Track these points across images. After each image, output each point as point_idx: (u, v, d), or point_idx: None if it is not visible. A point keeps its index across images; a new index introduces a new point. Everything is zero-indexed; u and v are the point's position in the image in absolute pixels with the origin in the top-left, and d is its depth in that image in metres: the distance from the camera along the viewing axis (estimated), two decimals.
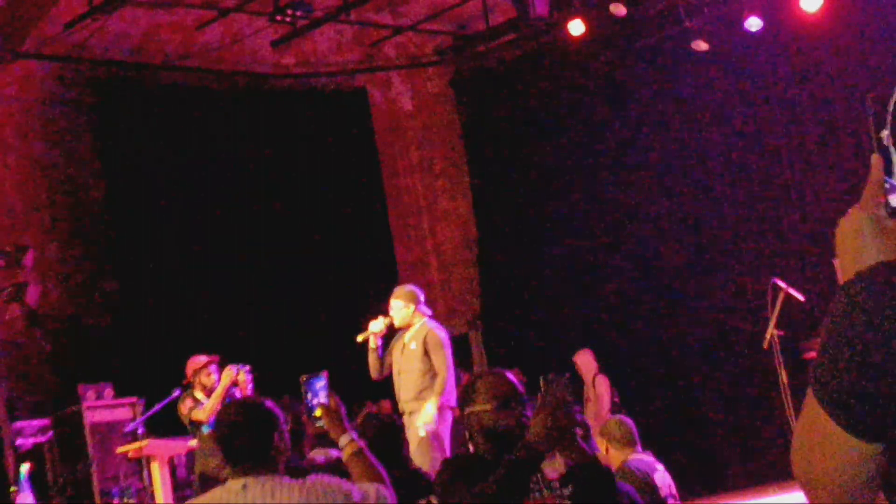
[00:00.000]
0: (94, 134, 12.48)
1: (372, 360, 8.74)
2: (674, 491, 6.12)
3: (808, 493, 1.52)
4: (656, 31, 12.18)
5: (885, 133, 1.51)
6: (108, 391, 10.57)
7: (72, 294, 12.09)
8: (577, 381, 11.74)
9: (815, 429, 1.46)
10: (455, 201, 14.93)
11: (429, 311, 8.92)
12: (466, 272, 14.76)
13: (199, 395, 8.96)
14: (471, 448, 4.02)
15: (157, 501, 9.02)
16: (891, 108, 1.52)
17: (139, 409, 10.34)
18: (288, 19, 11.97)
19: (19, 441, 9.91)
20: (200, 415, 8.95)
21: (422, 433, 8.42)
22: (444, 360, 8.63)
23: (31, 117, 12.20)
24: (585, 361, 11.66)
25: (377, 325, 8.73)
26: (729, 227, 11.86)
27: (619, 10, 11.35)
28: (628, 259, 12.80)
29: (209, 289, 12.23)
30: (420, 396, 8.61)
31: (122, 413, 10.47)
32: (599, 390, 11.46)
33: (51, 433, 10.39)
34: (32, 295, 9.95)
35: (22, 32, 11.55)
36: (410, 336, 8.74)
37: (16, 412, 10.47)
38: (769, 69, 11.79)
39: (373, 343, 8.72)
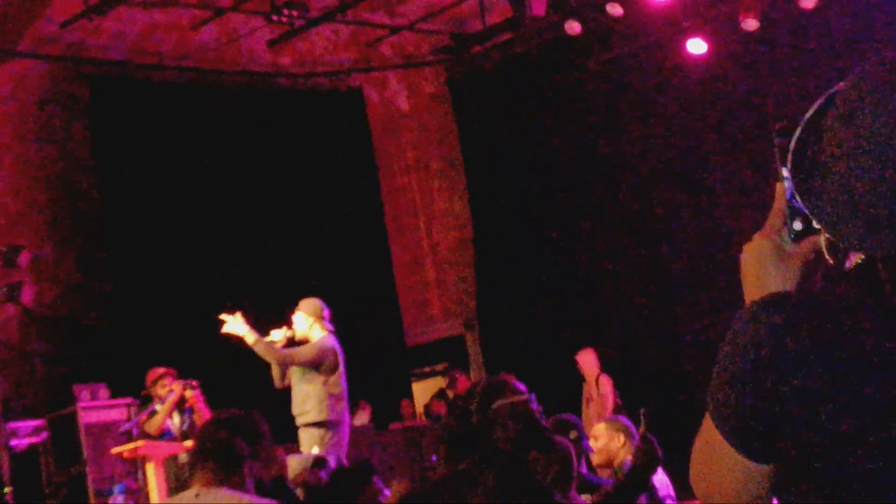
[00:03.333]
0: (90, 134, 12.45)
1: (274, 370, 8.61)
2: (671, 491, 6.10)
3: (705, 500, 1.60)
4: (653, 32, 12.16)
5: (784, 170, 1.59)
6: (103, 392, 10.54)
7: (67, 294, 12.06)
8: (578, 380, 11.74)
9: (710, 446, 1.55)
10: (451, 202, 14.92)
11: (331, 327, 8.74)
12: (463, 273, 14.74)
13: (158, 407, 9.05)
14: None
15: (152, 502, 9.00)
16: (792, 146, 1.57)
17: (134, 409, 10.32)
18: (284, 19, 11.95)
19: (14, 442, 9.88)
20: (150, 428, 9.03)
21: (314, 450, 8.25)
22: (304, 350, 8.44)
23: (26, 117, 12.17)
24: (588, 361, 11.63)
25: (277, 335, 8.60)
26: (729, 227, 11.85)
27: (616, 10, 11.34)
28: (626, 259, 12.79)
29: (205, 289, 12.20)
30: (302, 407, 8.45)
31: (117, 414, 10.45)
32: (603, 390, 11.44)
33: (46, 434, 10.36)
34: (27, 295, 9.93)
35: (17, 31, 11.53)
36: None
37: (10, 413, 10.44)
38: (768, 70, 11.78)
39: None
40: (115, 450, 9.54)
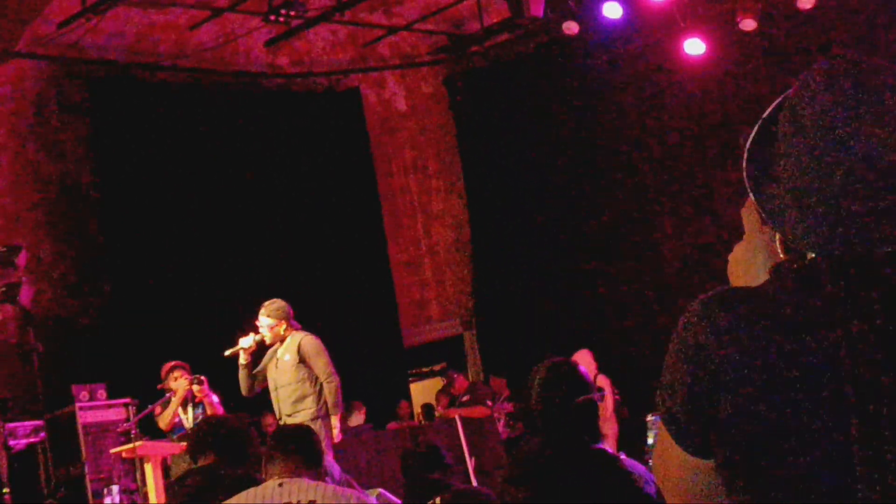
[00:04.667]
0: (88, 134, 12.45)
1: (242, 376, 8.53)
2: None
3: (666, 496, 1.63)
4: (652, 32, 12.17)
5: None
6: (102, 392, 10.53)
7: (65, 294, 12.06)
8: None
9: (662, 442, 1.57)
10: (449, 202, 14.92)
11: (298, 326, 8.66)
12: (461, 272, 14.75)
13: (172, 399, 9.12)
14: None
15: (151, 502, 9.00)
16: (747, 147, 1.65)
17: (132, 409, 10.32)
18: (282, 19, 11.95)
19: (12, 442, 9.87)
20: (160, 423, 9.07)
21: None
22: (325, 366, 8.41)
23: (24, 117, 12.17)
24: (585, 361, 11.62)
25: (247, 342, 8.50)
26: (728, 227, 11.86)
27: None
28: (624, 259, 12.80)
29: (203, 289, 12.21)
30: (298, 407, 8.45)
31: (116, 414, 10.44)
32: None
33: (44, 434, 10.36)
34: (25, 295, 9.92)
35: (15, 32, 11.52)
36: (283, 349, 8.52)
37: (9, 413, 10.44)
38: (766, 71, 11.79)
39: (243, 359, 8.50)
40: (114, 450, 9.56)
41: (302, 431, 4.30)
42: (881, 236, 1.46)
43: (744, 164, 1.63)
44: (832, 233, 1.48)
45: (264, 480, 4.00)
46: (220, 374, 9.48)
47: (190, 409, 9.18)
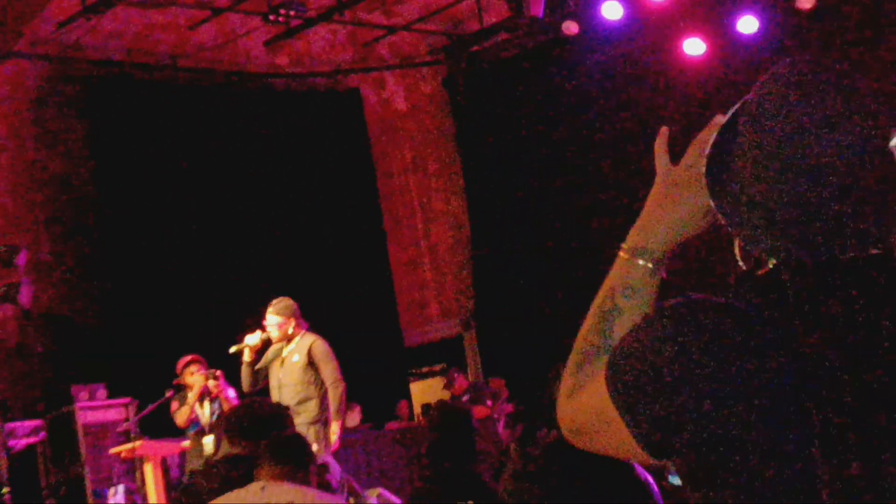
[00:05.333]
0: (87, 133, 12.45)
1: (245, 373, 8.56)
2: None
3: (573, 441, 1.63)
4: (651, 32, 12.17)
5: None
6: (101, 392, 10.54)
7: (64, 294, 12.06)
8: None
9: (601, 413, 1.52)
10: (449, 202, 14.92)
11: (306, 325, 8.74)
12: (460, 273, 14.75)
13: (189, 395, 9.08)
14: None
15: (150, 502, 9.00)
16: (707, 151, 1.60)
17: (132, 409, 10.32)
18: (281, 19, 11.94)
19: (12, 442, 9.87)
20: (178, 419, 9.05)
21: (314, 448, 8.29)
22: (334, 371, 8.44)
23: (23, 117, 12.17)
24: None
25: (253, 339, 8.55)
26: (727, 227, 11.84)
27: (614, 11, 11.35)
28: None
29: (202, 289, 12.20)
30: (299, 409, 8.46)
31: (115, 413, 10.45)
32: None
33: (43, 434, 10.37)
34: (25, 295, 9.91)
35: (14, 31, 11.52)
36: (292, 349, 8.54)
37: (8, 413, 10.44)
38: (766, 71, 11.77)
39: (247, 357, 8.55)
40: (114, 450, 9.56)
41: (296, 441, 4.32)
42: (844, 241, 1.45)
43: (703, 171, 1.60)
44: (794, 239, 1.46)
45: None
46: (221, 373, 9.50)
47: (206, 404, 9.16)
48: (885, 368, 1.39)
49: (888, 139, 1.46)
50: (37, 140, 12.21)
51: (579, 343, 1.71)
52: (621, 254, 1.75)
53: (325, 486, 6.69)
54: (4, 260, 9.98)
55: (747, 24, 10.99)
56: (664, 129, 1.83)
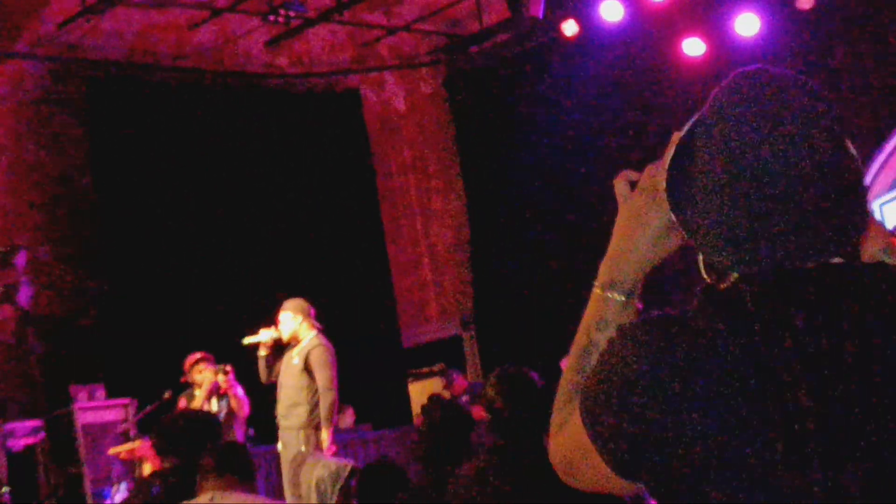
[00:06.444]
0: (87, 134, 12.44)
1: (261, 365, 8.74)
2: None
3: (566, 479, 1.62)
4: (651, 32, 12.17)
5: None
6: (100, 392, 10.54)
7: (64, 295, 12.05)
8: None
9: (577, 442, 1.52)
10: (448, 202, 14.92)
11: (319, 326, 8.78)
12: (460, 273, 14.74)
13: (197, 392, 9.10)
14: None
15: None
16: (667, 164, 1.62)
17: (131, 409, 10.32)
18: (281, 19, 11.94)
19: (11, 442, 9.88)
20: None
21: (303, 448, 8.31)
22: (327, 379, 8.47)
23: (23, 117, 12.16)
24: None
25: (266, 336, 8.67)
26: None
27: (614, 11, 11.34)
28: None
29: (201, 289, 12.20)
30: (291, 412, 8.49)
31: (114, 414, 10.45)
32: None
33: (42, 434, 10.36)
34: (24, 296, 9.93)
35: (14, 31, 11.52)
36: (296, 351, 8.63)
37: (7, 413, 10.44)
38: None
39: (262, 351, 8.69)
40: (113, 450, 9.56)
41: (236, 449, 4.27)
42: (803, 251, 1.44)
43: (664, 186, 1.60)
44: (755, 251, 1.46)
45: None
46: (231, 367, 9.50)
47: (214, 401, 9.16)
48: (848, 379, 1.38)
49: (842, 147, 1.46)
50: (36, 140, 12.21)
51: (563, 382, 1.72)
52: (595, 290, 1.75)
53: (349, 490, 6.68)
54: (4, 260, 9.99)
55: (747, 24, 10.97)
56: (624, 172, 1.86)
